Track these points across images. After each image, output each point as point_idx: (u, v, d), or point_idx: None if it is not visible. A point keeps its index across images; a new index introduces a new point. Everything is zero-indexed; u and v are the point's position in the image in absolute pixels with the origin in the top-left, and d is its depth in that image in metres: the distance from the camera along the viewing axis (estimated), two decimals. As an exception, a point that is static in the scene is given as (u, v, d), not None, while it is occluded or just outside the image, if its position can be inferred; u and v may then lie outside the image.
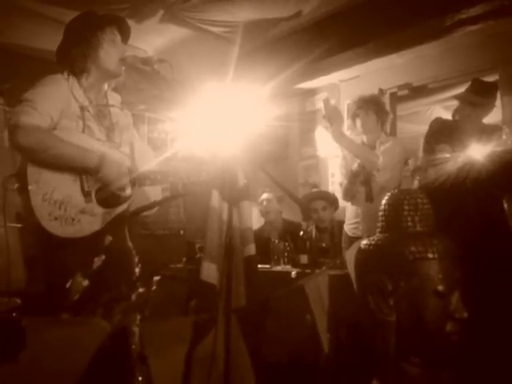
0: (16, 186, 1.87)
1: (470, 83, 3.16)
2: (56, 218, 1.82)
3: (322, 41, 3.96)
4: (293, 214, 4.03)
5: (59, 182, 1.85)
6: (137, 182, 2.03)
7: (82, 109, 1.96)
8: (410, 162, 3.51)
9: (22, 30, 3.92)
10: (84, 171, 1.90)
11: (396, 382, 1.21)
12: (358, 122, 3.08)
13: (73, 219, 1.86)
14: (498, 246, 1.46)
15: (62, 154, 1.84)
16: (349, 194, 3.13)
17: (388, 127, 3.25)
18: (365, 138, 3.11)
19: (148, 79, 2.28)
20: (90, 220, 1.89)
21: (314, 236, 3.17)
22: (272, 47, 4.41)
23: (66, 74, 2.00)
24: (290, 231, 3.50)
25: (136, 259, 2.09)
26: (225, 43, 4.09)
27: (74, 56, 2.00)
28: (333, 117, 2.90)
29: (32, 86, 1.92)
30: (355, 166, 3.01)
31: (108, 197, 1.93)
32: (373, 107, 3.06)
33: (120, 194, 1.96)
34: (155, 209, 2.12)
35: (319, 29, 4.06)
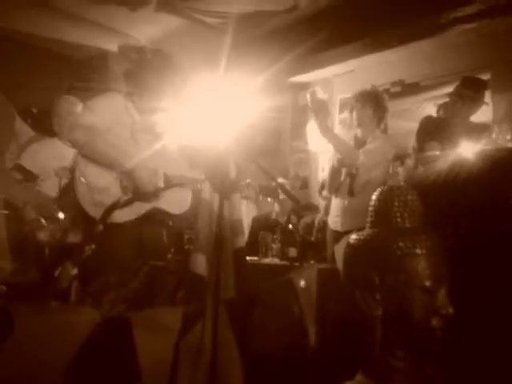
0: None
1: (460, 80, 3.20)
2: (96, 204, 2.14)
3: (317, 35, 3.94)
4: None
5: (102, 175, 2.17)
6: (166, 184, 2.30)
7: (133, 121, 2.29)
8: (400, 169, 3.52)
9: (17, 16, 3.86)
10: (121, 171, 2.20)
11: (381, 375, 1.22)
12: (354, 115, 3.06)
13: None
14: (489, 242, 1.48)
15: (107, 155, 2.16)
16: (331, 189, 3.16)
17: (384, 124, 3.23)
18: (359, 132, 3.09)
19: (140, 68, 2.30)
20: (125, 209, 2.16)
21: (316, 226, 3.18)
22: (266, 39, 4.39)
23: (124, 93, 2.32)
24: None
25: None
26: (219, 34, 4.06)
27: (143, 84, 2.27)
28: (319, 110, 2.88)
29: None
30: (335, 161, 3.02)
31: (142, 194, 2.21)
32: (370, 102, 3.03)
33: (152, 192, 2.23)
34: (185, 206, 2.39)
35: (314, 23, 4.05)
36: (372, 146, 2.97)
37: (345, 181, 3.01)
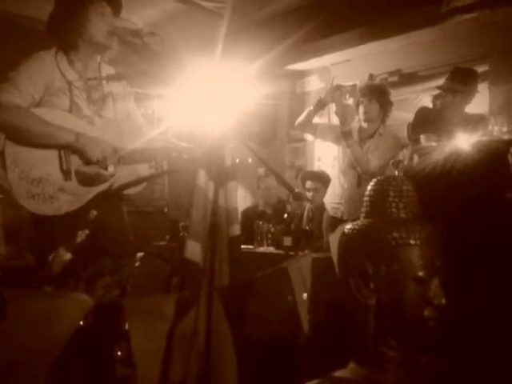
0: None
1: (450, 72, 3.20)
2: (33, 196, 1.83)
3: (314, 22, 3.91)
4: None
5: (37, 161, 1.85)
6: (121, 160, 2.00)
7: (69, 84, 1.94)
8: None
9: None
10: (63, 149, 1.89)
11: (374, 364, 1.23)
12: (361, 110, 3.09)
13: (51, 197, 1.85)
14: (483, 234, 1.48)
15: (39, 132, 1.83)
16: (300, 126, 3.23)
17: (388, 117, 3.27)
18: (365, 125, 3.12)
19: (137, 52, 2.25)
20: (68, 198, 1.88)
21: (306, 216, 3.20)
22: (263, 25, 4.35)
23: (53, 50, 1.98)
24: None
25: (130, 236, 2.09)
26: (216, 18, 4.02)
27: (63, 30, 1.97)
28: (345, 114, 2.95)
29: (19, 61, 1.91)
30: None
31: (89, 175, 1.92)
32: (377, 96, 3.07)
33: (102, 172, 1.94)
34: (140, 186, 2.11)
35: (312, 10, 4.01)
36: (382, 145, 3.04)
37: (350, 171, 3.05)
